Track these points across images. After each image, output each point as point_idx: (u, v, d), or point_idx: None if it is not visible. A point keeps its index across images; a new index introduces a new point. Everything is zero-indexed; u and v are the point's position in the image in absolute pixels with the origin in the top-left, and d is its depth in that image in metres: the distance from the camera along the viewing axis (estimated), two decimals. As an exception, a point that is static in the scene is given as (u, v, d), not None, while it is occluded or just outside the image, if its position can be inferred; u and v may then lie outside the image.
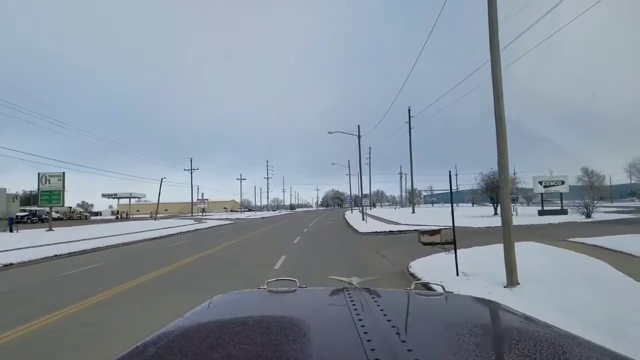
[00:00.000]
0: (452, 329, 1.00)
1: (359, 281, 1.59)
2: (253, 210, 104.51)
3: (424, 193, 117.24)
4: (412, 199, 45.35)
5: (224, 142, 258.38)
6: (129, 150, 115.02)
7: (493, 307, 1.32)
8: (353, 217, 40.21)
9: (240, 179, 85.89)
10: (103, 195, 66.56)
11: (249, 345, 0.87)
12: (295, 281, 1.63)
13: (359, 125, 33.00)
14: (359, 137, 32.86)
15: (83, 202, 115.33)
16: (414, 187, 44.86)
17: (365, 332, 0.88)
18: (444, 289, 1.57)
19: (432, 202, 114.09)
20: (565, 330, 1.00)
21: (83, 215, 74.60)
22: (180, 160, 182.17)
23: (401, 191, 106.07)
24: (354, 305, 1.14)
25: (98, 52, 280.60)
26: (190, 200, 72.29)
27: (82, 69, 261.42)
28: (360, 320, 0.98)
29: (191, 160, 57.18)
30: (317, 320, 1.14)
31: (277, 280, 1.66)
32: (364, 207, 33.06)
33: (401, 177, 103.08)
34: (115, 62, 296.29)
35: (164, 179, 45.33)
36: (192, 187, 57.18)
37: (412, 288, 1.57)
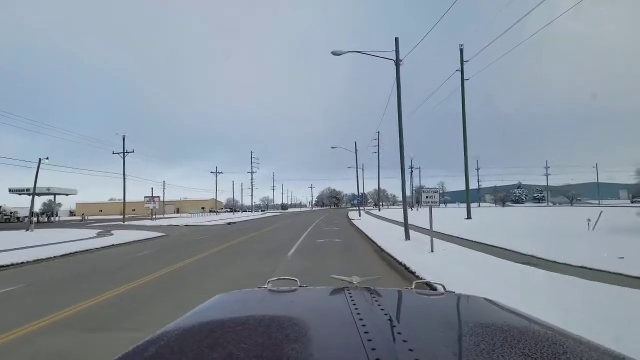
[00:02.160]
0: (453, 329, 0.98)
1: (360, 280, 1.51)
2: (238, 211, 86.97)
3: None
4: (467, 197, 27.58)
5: (219, 142, 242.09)
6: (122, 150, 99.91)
7: (494, 306, 1.27)
8: (372, 226, 22.56)
9: (216, 173, 68.23)
10: (10, 191, 48.28)
11: (249, 345, 0.86)
12: (296, 280, 1.58)
13: (396, 38, 15.73)
14: (397, 62, 15.51)
15: (49, 200, 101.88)
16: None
17: (366, 332, 0.86)
18: (444, 288, 1.49)
19: (445, 202, 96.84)
20: (566, 330, 0.99)
21: (14, 217, 57.70)
22: (176, 159, 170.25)
23: (412, 189, 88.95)
24: (354, 304, 1.12)
25: (97, 50, 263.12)
26: (161, 200, 54.52)
27: (82, 67, 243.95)
28: (361, 319, 0.96)
29: (124, 139, 37.78)
30: (318, 319, 1.12)
31: (278, 279, 1.61)
32: (420, 208, 15.42)
33: (412, 171, 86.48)
34: (114, 59, 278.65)
35: (45, 159, 27.49)
36: (124, 177, 38.10)
37: (412, 287, 1.51)
